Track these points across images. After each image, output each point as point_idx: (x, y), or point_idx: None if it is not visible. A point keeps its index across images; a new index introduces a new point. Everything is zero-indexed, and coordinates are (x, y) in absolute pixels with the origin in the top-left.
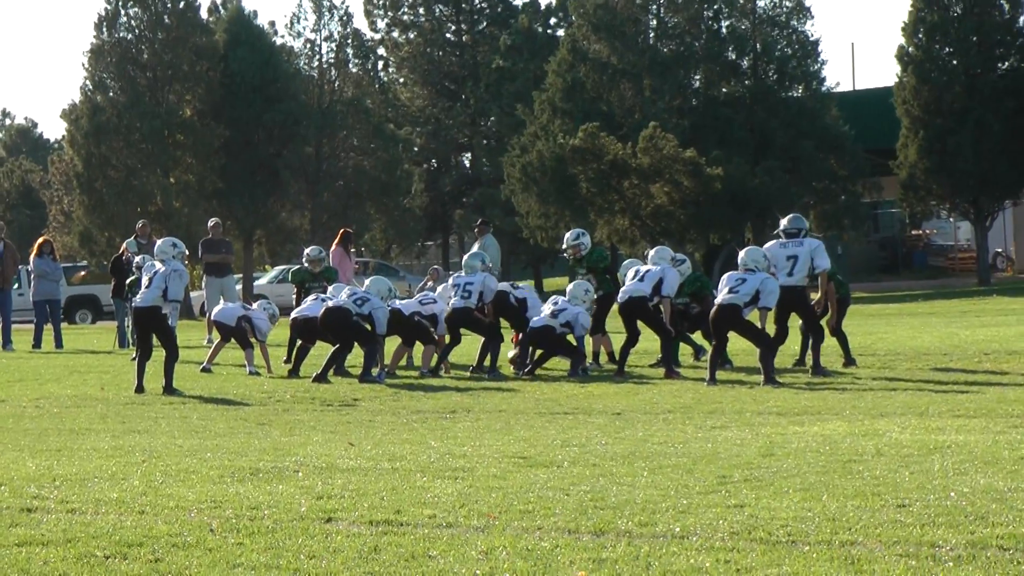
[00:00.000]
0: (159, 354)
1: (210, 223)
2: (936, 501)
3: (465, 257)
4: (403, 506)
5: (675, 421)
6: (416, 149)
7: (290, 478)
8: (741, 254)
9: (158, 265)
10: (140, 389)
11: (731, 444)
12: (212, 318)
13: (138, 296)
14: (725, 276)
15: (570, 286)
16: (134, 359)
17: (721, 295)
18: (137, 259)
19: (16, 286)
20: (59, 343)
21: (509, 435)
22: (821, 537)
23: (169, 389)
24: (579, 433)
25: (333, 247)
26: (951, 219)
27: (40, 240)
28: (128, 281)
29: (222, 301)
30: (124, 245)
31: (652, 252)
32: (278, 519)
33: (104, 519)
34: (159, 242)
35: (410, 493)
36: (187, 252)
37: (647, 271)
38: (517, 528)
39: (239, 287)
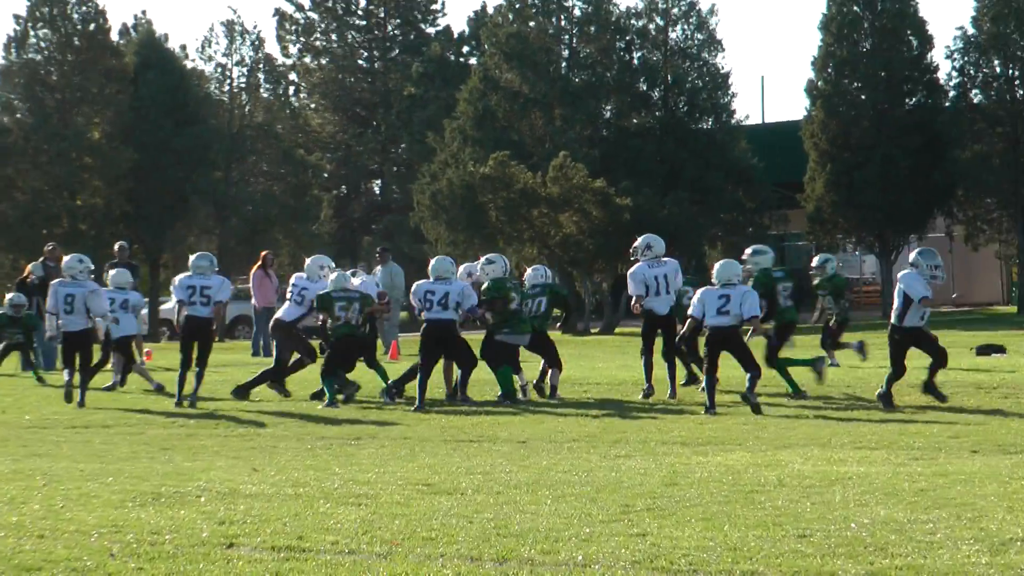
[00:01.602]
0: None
1: (116, 246)
2: (836, 532)
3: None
4: (306, 532)
5: (580, 450)
6: (326, 175)
7: (192, 503)
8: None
9: (70, 288)
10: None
11: (635, 473)
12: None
13: (59, 320)
14: (699, 292)
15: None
16: (38, 381)
17: (711, 319)
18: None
19: None
20: None
21: (413, 462)
22: (722, 567)
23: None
24: (483, 461)
25: (254, 269)
26: (857, 253)
27: None
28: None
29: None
30: (29, 268)
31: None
32: (179, 544)
33: (3, 543)
34: (65, 259)
35: (313, 519)
36: (92, 267)
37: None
38: (420, 555)
39: (144, 311)
